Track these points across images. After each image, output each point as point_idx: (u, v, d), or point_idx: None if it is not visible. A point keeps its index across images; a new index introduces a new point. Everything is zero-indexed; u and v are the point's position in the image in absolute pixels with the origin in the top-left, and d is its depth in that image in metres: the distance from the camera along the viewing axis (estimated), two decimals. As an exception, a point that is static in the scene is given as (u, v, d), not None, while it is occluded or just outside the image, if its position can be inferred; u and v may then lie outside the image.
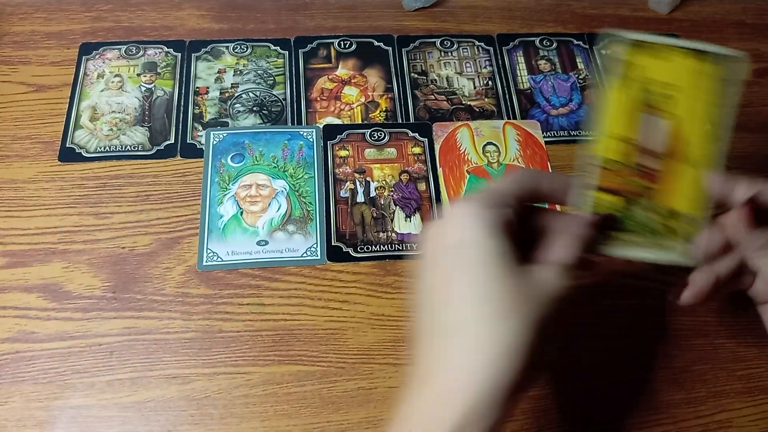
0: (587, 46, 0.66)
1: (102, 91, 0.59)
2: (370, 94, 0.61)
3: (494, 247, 0.31)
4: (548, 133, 0.60)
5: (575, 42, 0.67)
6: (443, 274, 0.32)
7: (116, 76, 0.60)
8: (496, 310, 0.30)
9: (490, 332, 0.29)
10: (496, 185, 0.34)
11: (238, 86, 0.61)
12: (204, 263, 0.50)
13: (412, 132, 0.59)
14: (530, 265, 0.32)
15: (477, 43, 0.66)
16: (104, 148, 0.56)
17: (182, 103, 0.59)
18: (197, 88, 0.60)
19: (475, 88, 0.63)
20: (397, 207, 0.54)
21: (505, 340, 0.29)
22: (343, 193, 0.55)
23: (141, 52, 0.62)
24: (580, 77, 0.64)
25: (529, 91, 0.63)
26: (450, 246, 0.32)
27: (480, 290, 0.30)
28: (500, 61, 0.65)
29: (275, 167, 0.56)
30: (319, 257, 0.51)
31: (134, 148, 0.56)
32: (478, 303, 0.30)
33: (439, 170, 0.57)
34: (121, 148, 0.56)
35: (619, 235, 0.37)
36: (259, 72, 0.62)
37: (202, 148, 0.56)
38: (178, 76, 0.61)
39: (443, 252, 0.32)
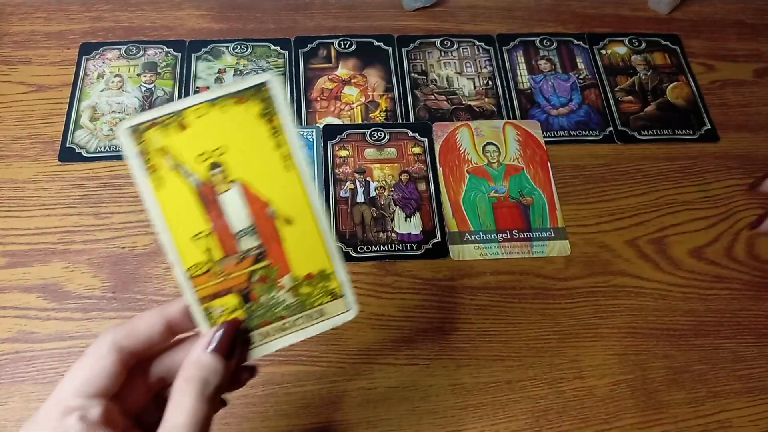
0: (587, 46, 0.66)
1: (102, 91, 0.59)
2: (370, 94, 0.61)
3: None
4: (548, 132, 0.60)
5: (575, 42, 0.67)
6: None
7: (116, 76, 0.60)
8: None
9: None
10: (77, 383, 0.28)
11: (238, 86, 0.61)
12: (204, 263, 0.50)
13: (412, 132, 0.59)
14: None
15: (477, 43, 0.66)
16: (104, 148, 0.56)
17: (182, 103, 0.59)
18: (197, 88, 0.60)
19: (475, 88, 0.63)
20: (397, 207, 0.54)
21: None
22: (343, 193, 0.55)
23: (141, 52, 0.62)
24: (580, 77, 0.64)
25: (529, 91, 0.63)
26: None
27: None
28: (500, 61, 0.65)
29: (275, 167, 0.55)
30: (319, 257, 0.51)
31: (134, 148, 0.56)
32: None
33: (439, 170, 0.57)
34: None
35: (262, 330, 0.33)
36: (259, 72, 0.62)
37: (202, 148, 0.56)
38: (178, 76, 0.61)
39: None
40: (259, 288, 0.32)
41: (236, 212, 0.32)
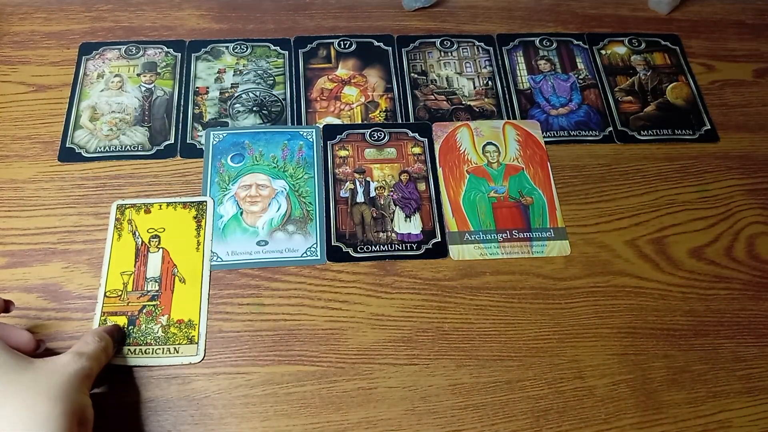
0: (587, 47, 0.66)
1: (102, 91, 0.59)
2: (370, 94, 0.61)
3: None
4: (548, 133, 0.60)
5: (575, 42, 0.67)
6: None
7: (116, 76, 0.60)
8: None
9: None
10: None
11: (238, 86, 0.61)
12: (204, 263, 0.51)
13: (412, 132, 0.59)
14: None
15: (477, 43, 0.66)
16: (104, 148, 0.56)
17: (182, 103, 0.59)
18: (197, 88, 0.60)
19: (474, 88, 0.63)
20: (397, 207, 0.54)
21: None
22: (343, 193, 0.55)
23: (141, 52, 0.62)
24: (580, 77, 0.64)
25: (529, 91, 0.63)
26: None
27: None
28: (500, 61, 0.65)
29: (275, 167, 0.56)
30: (319, 257, 0.51)
31: (134, 148, 0.56)
32: None
33: (439, 170, 0.57)
34: (121, 148, 0.56)
35: (132, 348, 0.46)
36: (259, 72, 0.62)
37: (201, 148, 0.56)
38: (178, 76, 0.61)
39: None
40: (144, 318, 0.47)
41: (154, 266, 0.49)
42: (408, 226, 0.53)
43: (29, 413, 0.35)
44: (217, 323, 0.48)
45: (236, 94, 0.60)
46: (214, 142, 0.56)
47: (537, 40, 0.66)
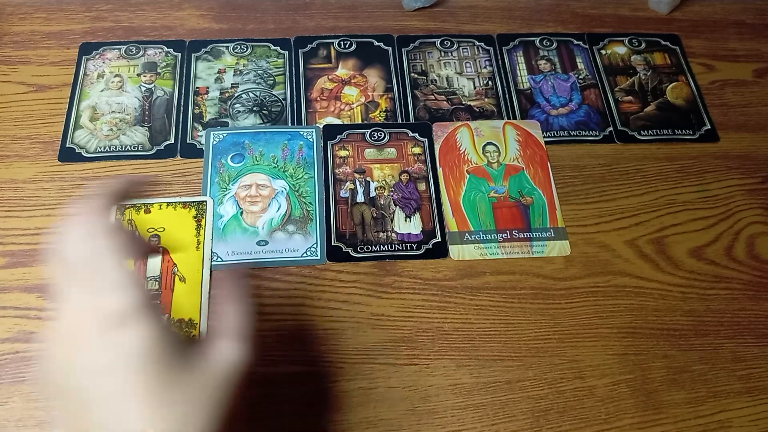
0: (587, 46, 0.66)
1: (102, 91, 0.59)
2: (370, 94, 0.61)
3: None
4: (548, 133, 0.60)
5: (575, 42, 0.67)
6: None
7: (116, 76, 0.60)
8: None
9: None
10: None
11: (238, 86, 0.61)
12: (204, 263, 0.51)
13: (412, 132, 0.59)
14: None
15: (477, 43, 0.66)
16: (104, 148, 0.56)
17: (182, 103, 0.59)
18: (197, 88, 0.60)
19: (475, 88, 0.63)
20: (397, 207, 0.54)
21: None
22: (343, 193, 0.55)
23: (141, 52, 0.62)
24: (580, 77, 0.64)
25: (529, 91, 0.63)
26: None
27: None
28: (500, 61, 0.65)
29: (275, 167, 0.56)
30: (319, 257, 0.51)
31: (134, 148, 0.56)
32: None
33: (439, 170, 0.57)
34: (121, 148, 0.56)
35: None
36: (259, 72, 0.62)
37: (202, 148, 0.56)
38: (178, 76, 0.61)
39: None
40: None
41: (153, 265, 0.49)
42: (408, 226, 0.53)
43: None
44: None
45: (236, 94, 0.60)
46: (214, 142, 0.56)
47: (537, 40, 0.66)
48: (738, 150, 0.60)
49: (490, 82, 0.63)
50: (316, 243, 0.52)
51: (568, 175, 0.57)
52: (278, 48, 0.64)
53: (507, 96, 0.62)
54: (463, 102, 0.61)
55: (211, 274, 0.50)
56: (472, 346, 0.48)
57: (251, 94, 0.60)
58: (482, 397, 0.46)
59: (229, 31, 0.65)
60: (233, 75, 0.61)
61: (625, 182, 0.57)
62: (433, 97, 0.62)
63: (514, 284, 0.51)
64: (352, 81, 0.62)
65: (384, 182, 0.55)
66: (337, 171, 0.56)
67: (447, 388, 0.46)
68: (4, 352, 0.46)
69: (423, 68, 0.63)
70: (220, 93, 0.60)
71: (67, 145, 0.56)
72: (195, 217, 0.52)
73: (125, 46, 0.62)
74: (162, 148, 0.56)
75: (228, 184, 0.54)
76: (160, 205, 0.52)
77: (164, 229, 0.51)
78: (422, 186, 0.56)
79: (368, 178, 0.56)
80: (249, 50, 0.63)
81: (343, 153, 0.57)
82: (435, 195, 0.55)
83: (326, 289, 0.50)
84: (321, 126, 0.58)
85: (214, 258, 0.50)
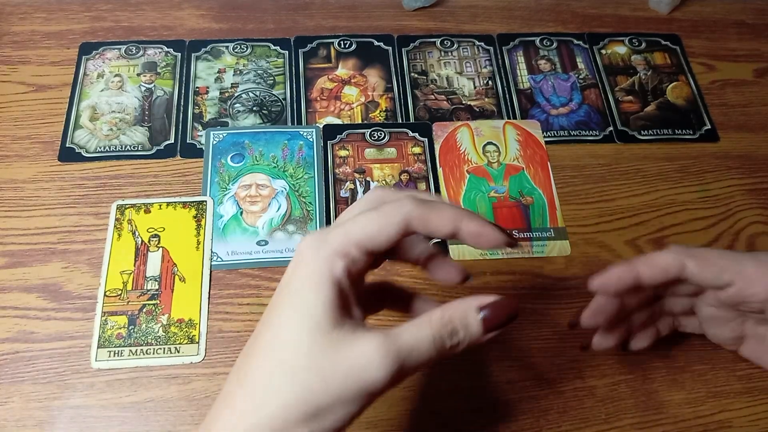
0: (587, 46, 0.66)
1: (102, 90, 0.59)
2: (370, 93, 0.61)
3: (316, 306, 0.28)
4: (548, 132, 0.60)
5: (575, 42, 0.67)
6: (269, 309, 0.30)
7: (116, 75, 0.60)
8: (292, 374, 0.27)
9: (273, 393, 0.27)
10: (365, 226, 0.29)
11: (238, 86, 0.61)
12: (204, 263, 0.51)
13: (412, 132, 0.59)
14: (356, 332, 0.28)
15: (477, 42, 0.66)
16: (104, 148, 0.56)
17: (182, 103, 0.59)
18: (197, 87, 0.60)
19: (475, 87, 0.63)
20: (397, 207, 0.54)
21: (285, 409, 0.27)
22: (343, 193, 0.55)
23: (141, 52, 0.62)
24: (580, 77, 0.64)
25: (529, 90, 0.63)
26: (281, 285, 0.30)
27: (283, 351, 0.28)
28: (500, 61, 0.65)
29: (275, 167, 0.56)
30: (319, 257, 0.51)
31: (134, 148, 0.56)
32: (277, 361, 0.28)
33: (439, 170, 0.57)
34: (121, 148, 0.56)
35: (133, 349, 0.46)
36: (259, 72, 0.62)
37: (201, 148, 0.56)
38: (178, 76, 0.61)
39: (278, 288, 0.30)
40: (144, 317, 0.47)
41: (153, 265, 0.49)
42: (408, 226, 0.53)
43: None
44: (217, 323, 0.48)
45: (236, 94, 0.60)
46: (214, 142, 0.56)
47: (537, 40, 0.66)
48: (738, 150, 0.60)
49: (490, 82, 0.63)
50: (316, 243, 0.52)
51: (568, 175, 0.57)
52: (278, 48, 0.64)
53: (507, 96, 0.62)
54: (463, 102, 0.61)
55: (211, 274, 0.50)
56: (472, 347, 0.48)
57: (251, 94, 0.60)
58: (482, 398, 0.46)
59: (229, 31, 0.65)
60: (233, 75, 0.61)
61: (626, 182, 0.57)
62: (433, 96, 0.62)
63: (514, 284, 0.51)
64: (352, 81, 0.62)
65: (384, 182, 0.55)
66: (337, 171, 0.56)
67: (447, 388, 0.46)
68: (4, 352, 0.46)
69: (423, 68, 0.63)
70: (220, 93, 0.60)
71: (67, 145, 0.56)
72: (195, 217, 0.52)
73: (125, 46, 0.62)
74: (162, 148, 0.56)
75: (228, 184, 0.54)
76: (160, 205, 0.52)
77: (164, 229, 0.51)
78: (422, 186, 0.56)
79: (368, 178, 0.56)
80: (249, 50, 0.63)
81: (343, 153, 0.57)
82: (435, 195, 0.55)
83: (326, 289, 0.50)
84: (321, 126, 0.58)
85: (214, 258, 0.50)
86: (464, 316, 0.30)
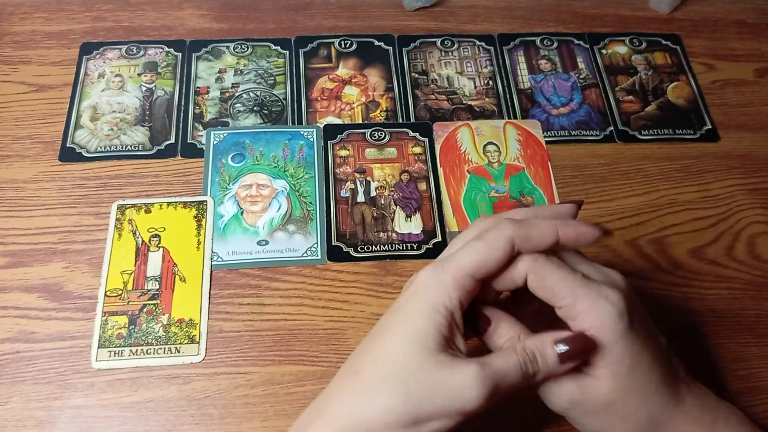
0: (588, 46, 0.66)
1: (102, 90, 0.59)
2: (370, 93, 0.61)
3: (428, 331, 0.31)
4: (549, 132, 0.60)
5: (576, 41, 0.67)
6: (379, 327, 0.34)
7: (117, 75, 0.60)
8: (388, 390, 0.31)
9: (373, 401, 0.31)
10: (482, 256, 0.32)
11: (238, 86, 0.61)
12: (204, 263, 0.51)
13: (413, 132, 0.59)
14: (457, 358, 0.32)
15: (477, 42, 0.66)
16: (105, 148, 0.56)
17: (183, 103, 0.59)
18: (198, 87, 0.60)
19: (475, 87, 0.63)
20: (398, 207, 0.54)
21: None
22: (344, 193, 0.55)
23: (141, 52, 0.62)
24: (581, 77, 0.64)
25: (530, 90, 0.63)
26: (395, 307, 0.34)
27: (393, 363, 0.31)
28: (501, 61, 0.65)
29: (275, 167, 0.56)
30: (319, 257, 0.51)
31: (135, 147, 0.56)
32: (387, 372, 0.31)
33: (440, 170, 0.57)
34: (122, 147, 0.56)
35: (134, 349, 0.46)
36: (259, 72, 0.62)
37: (202, 148, 0.56)
38: (178, 76, 0.61)
39: (391, 309, 0.34)
40: (144, 317, 0.47)
41: (154, 264, 0.49)
42: (408, 225, 0.53)
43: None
44: (217, 323, 0.48)
45: (237, 94, 0.60)
46: (215, 142, 0.56)
47: (538, 40, 0.66)
48: (739, 150, 0.60)
49: (490, 82, 0.63)
50: (317, 243, 0.52)
51: (568, 175, 0.57)
52: (279, 48, 0.64)
53: (507, 95, 0.62)
54: (464, 101, 0.61)
55: (211, 274, 0.50)
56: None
57: (252, 94, 0.60)
58: (482, 397, 0.46)
59: (230, 31, 0.65)
60: (234, 75, 0.61)
61: (626, 182, 0.57)
62: (433, 96, 0.62)
63: (515, 284, 0.51)
64: (353, 81, 0.62)
65: (384, 182, 0.55)
66: (337, 171, 0.56)
67: (447, 388, 0.46)
68: (4, 352, 0.46)
69: (423, 68, 0.63)
70: (221, 93, 0.60)
71: (68, 145, 0.56)
72: (195, 217, 0.52)
73: (126, 46, 0.62)
74: (162, 147, 0.56)
75: (228, 184, 0.54)
76: (161, 205, 0.52)
77: (164, 229, 0.51)
78: (423, 186, 0.56)
79: (369, 178, 0.56)
80: (249, 50, 0.63)
81: (343, 153, 0.57)
82: (435, 195, 0.55)
83: (326, 289, 0.50)
84: (321, 126, 0.58)
85: (215, 258, 0.50)
86: (542, 347, 0.32)
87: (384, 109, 0.60)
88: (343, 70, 0.63)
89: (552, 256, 0.34)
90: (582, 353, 0.32)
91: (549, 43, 0.66)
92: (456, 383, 0.30)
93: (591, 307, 0.32)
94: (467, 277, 0.32)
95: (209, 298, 0.49)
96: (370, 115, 0.60)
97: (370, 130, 0.58)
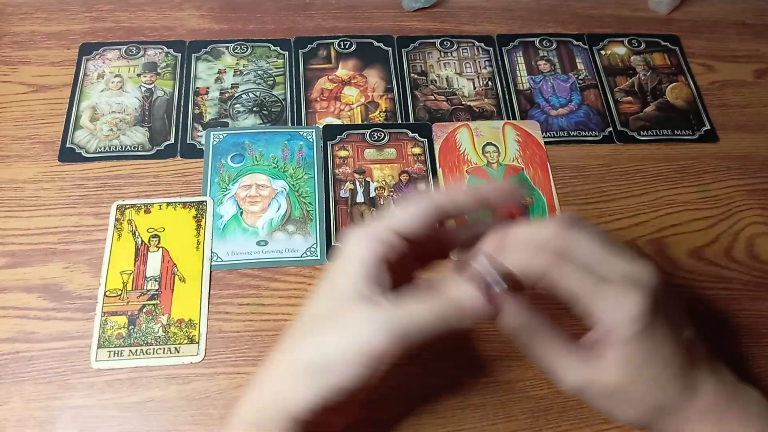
0: (587, 47, 0.66)
1: (102, 91, 0.59)
2: (369, 94, 0.61)
3: (346, 282, 0.33)
4: (548, 133, 0.60)
5: (575, 42, 0.67)
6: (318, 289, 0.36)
7: (116, 76, 0.60)
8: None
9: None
10: (398, 217, 0.35)
11: (238, 86, 0.61)
12: (204, 263, 0.51)
13: (412, 132, 0.59)
14: (371, 304, 0.33)
15: (477, 43, 0.66)
16: (104, 149, 0.56)
17: (182, 104, 0.59)
18: (197, 88, 0.60)
19: (474, 88, 0.63)
20: (397, 207, 0.54)
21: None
22: (343, 194, 0.55)
23: (141, 53, 0.62)
24: (580, 78, 0.64)
25: (529, 91, 0.63)
26: (328, 267, 0.37)
27: (309, 312, 0.35)
28: (500, 62, 0.65)
29: (275, 167, 0.56)
30: (318, 257, 0.51)
31: (134, 148, 0.56)
32: (303, 321, 0.35)
33: (439, 170, 0.57)
34: (121, 148, 0.56)
35: (133, 349, 0.46)
36: (259, 72, 0.62)
37: (202, 149, 0.56)
38: (178, 77, 0.61)
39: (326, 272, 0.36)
40: (144, 317, 0.47)
41: (153, 265, 0.49)
42: (408, 226, 0.53)
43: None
44: (217, 323, 0.48)
45: (236, 95, 0.60)
46: (214, 143, 0.56)
47: (537, 41, 0.66)
48: (738, 150, 0.60)
49: (489, 83, 0.63)
50: (316, 243, 0.52)
51: (567, 176, 0.57)
52: (278, 48, 0.64)
53: (507, 96, 0.62)
54: (463, 102, 0.61)
55: (211, 274, 0.50)
56: (472, 347, 0.48)
57: (251, 95, 0.60)
58: (482, 397, 0.46)
59: (229, 32, 0.65)
60: (233, 75, 0.61)
61: (625, 182, 0.57)
62: (432, 97, 0.62)
63: (514, 284, 0.51)
64: (352, 81, 0.62)
65: (384, 182, 0.55)
66: (336, 171, 0.56)
67: (447, 388, 0.46)
68: (4, 352, 0.46)
69: (423, 68, 0.64)
70: (220, 93, 0.60)
71: (67, 145, 0.56)
72: (195, 217, 0.52)
73: (125, 47, 0.62)
74: (162, 148, 0.56)
75: (228, 184, 0.54)
76: (160, 205, 0.52)
77: (164, 229, 0.51)
78: (422, 186, 0.56)
79: (368, 179, 0.56)
80: (249, 50, 0.63)
81: (342, 153, 0.57)
82: (435, 195, 0.55)
83: (326, 289, 0.50)
84: (321, 126, 0.58)
85: (214, 258, 0.50)
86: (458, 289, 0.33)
87: (383, 109, 0.60)
88: (343, 71, 0.63)
89: (574, 251, 0.34)
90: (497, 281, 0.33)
91: (548, 43, 0.66)
92: (363, 329, 0.31)
93: (605, 311, 0.33)
94: (390, 233, 0.34)
95: (209, 298, 0.49)
96: (370, 115, 0.60)
97: (369, 131, 0.58)
